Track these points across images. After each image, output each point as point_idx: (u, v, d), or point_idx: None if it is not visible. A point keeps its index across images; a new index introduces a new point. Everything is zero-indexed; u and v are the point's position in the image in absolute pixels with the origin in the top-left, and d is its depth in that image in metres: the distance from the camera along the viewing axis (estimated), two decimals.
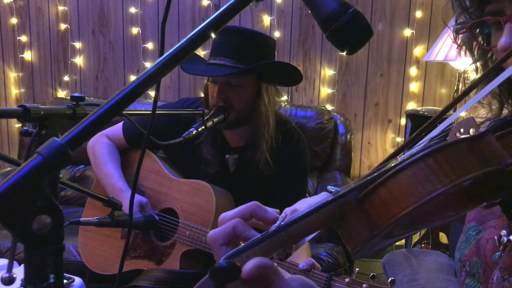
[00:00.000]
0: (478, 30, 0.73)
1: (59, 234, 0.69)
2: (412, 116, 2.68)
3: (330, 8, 0.65)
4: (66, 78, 3.70)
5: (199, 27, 0.52)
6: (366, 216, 0.49)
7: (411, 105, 3.28)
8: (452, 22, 0.78)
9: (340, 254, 2.26)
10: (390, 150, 3.39)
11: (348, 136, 2.94)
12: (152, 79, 0.51)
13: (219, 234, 0.52)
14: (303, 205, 1.51)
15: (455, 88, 2.87)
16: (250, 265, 0.47)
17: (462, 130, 0.60)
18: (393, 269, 1.89)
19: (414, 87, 3.27)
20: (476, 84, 0.58)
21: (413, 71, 3.25)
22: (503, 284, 0.67)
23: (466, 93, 0.56)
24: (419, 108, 2.78)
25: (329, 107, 3.23)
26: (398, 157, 0.59)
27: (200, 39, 0.52)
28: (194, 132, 1.49)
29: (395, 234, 0.55)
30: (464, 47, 0.78)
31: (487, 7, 0.67)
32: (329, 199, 0.51)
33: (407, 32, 3.22)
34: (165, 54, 0.51)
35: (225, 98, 1.69)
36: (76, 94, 0.93)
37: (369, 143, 3.40)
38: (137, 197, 1.80)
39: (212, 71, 1.68)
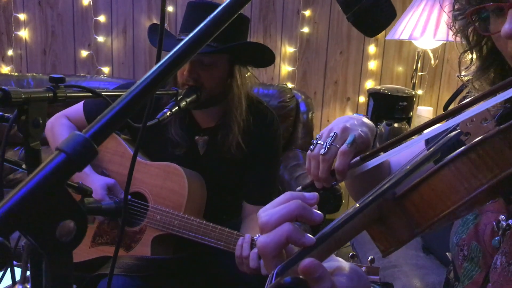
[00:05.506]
0: (475, 16, 0.72)
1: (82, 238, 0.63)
2: (374, 95, 2.71)
3: None
4: (10, 52, 3.45)
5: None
6: (406, 215, 0.48)
7: (369, 83, 3.31)
8: (445, 3, 0.77)
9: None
10: None
11: (310, 114, 2.94)
12: (179, 61, 0.46)
13: (272, 245, 0.48)
14: None
15: (414, 67, 2.92)
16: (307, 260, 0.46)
17: (474, 119, 0.59)
18: (362, 246, 1.92)
19: (373, 65, 3.30)
20: (481, 98, 0.58)
21: (371, 49, 3.27)
22: (509, 268, 0.68)
23: (473, 102, 0.55)
24: (379, 87, 2.81)
25: (289, 85, 3.20)
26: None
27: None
28: (168, 113, 1.42)
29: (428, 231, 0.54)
30: (459, 34, 0.77)
31: None
32: (369, 200, 0.50)
33: None
34: (191, 33, 0.46)
35: (195, 77, 1.62)
36: (55, 75, 0.84)
37: (328, 121, 3.42)
38: (103, 179, 1.71)
39: None
